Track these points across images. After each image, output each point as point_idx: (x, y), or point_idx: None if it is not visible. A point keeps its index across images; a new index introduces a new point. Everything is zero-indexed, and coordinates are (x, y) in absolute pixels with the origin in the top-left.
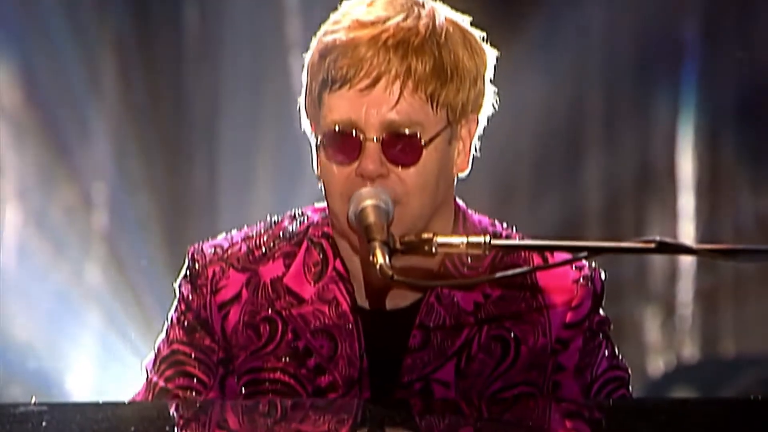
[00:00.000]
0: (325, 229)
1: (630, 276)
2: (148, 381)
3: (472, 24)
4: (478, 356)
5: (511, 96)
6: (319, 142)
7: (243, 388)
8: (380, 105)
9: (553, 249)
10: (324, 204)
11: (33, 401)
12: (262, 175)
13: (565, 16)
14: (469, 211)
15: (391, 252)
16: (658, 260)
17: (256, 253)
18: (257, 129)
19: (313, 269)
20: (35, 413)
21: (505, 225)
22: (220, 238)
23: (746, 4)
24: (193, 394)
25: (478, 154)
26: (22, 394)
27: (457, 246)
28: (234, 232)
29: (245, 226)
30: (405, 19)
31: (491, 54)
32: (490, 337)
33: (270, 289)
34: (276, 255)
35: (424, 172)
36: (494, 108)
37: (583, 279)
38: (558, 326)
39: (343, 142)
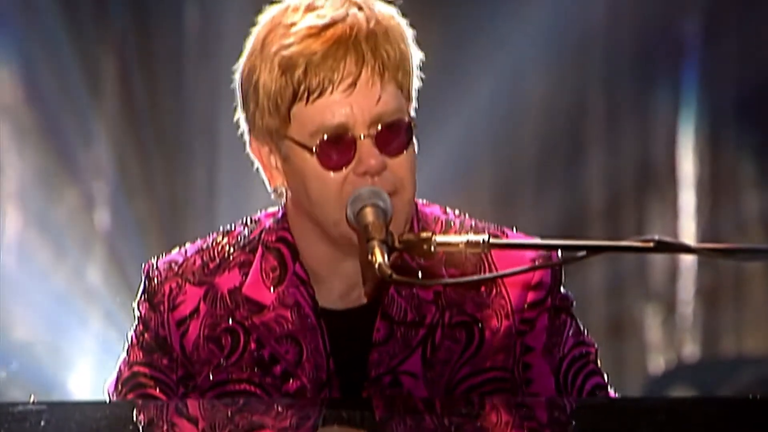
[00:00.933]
0: (281, 233)
1: (631, 274)
2: (109, 395)
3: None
4: (444, 344)
5: (512, 95)
6: (302, 154)
7: None
8: (365, 101)
9: (549, 248)
10: (275, 209)
11: (32, 400)
12: (261, 175)
13: (567, 14)
14: (419, 201)
15: (390, 251)
16: (659, 259)
17: (211, 265)
18: None
19: (271, 275)
20: (34, 412)
21: (456, 212)
22: (174, 253)
23: (747, 3)
24: None
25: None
26: (22, 395)
27: (456, 245)
28: (188, 245)
29: (199, 239)
30: (358, 12)
31: (410, 31)
32: (453, 323)
33: (228, 299)
34: (231, 265)
35: (411, 158)
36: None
37: (541, 258)
38: (520, 307)
39: (337, 146)
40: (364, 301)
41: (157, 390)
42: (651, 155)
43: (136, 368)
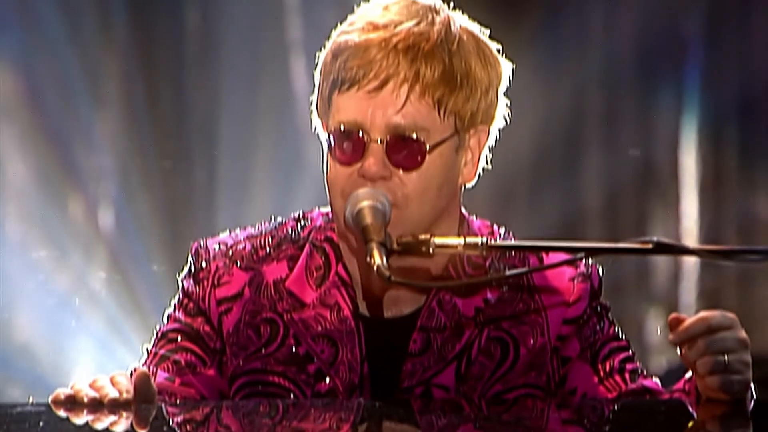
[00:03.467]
0: (328, 233)
1: (632, 277)
2: (148, 353)
3: (491, 37)
4: (479, 359)
5: (511, 95)
6: (326, 141)
7: (241, 389)
8: (386, 107)
9: (551, 250)
10: (326, 208)
11: (30, 401)
12: (262, 176)
13: (567, 14)
14: (472, 218)
15: (389, 253)
16: (661, 261)
17: (260, 253)
18: (257, 129)
19: (315, 273)
20: (33, 413)
21: (503, 230)
22: (224, 235)
23: (749, 3)
24: (192, 366)
25: (489, 166)
26: (21, 397)
27: (454, 247)
28: (238, 230)
29: (248, 226)
30: (418, 24)
31: (506, 67)
32: (490, 339)
33: (273, 289)
34: (280, 256)
35: (426, 178)
36: (505, 120)
37: (580, 276)
38: (557, 324)
39: (348, 142)
40: (404, 312)
41: (196, 346)
42: (653, 156)
43: (176, 325)
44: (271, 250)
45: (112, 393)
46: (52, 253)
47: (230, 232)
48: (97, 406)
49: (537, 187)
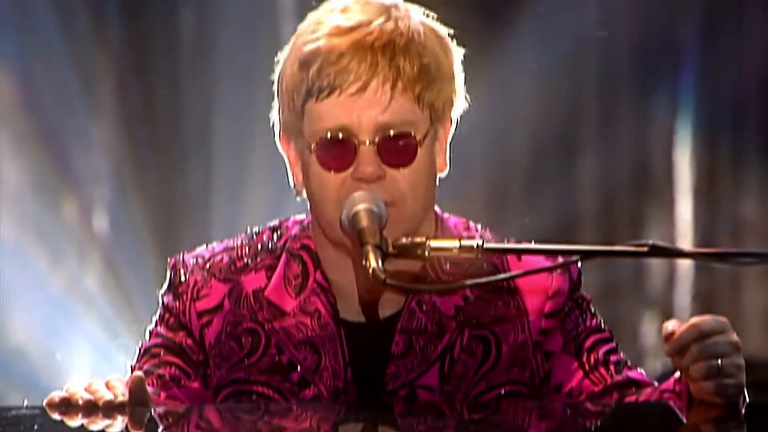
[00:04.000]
0: (305, 241)
1: (627, 279)
2: (132, 369)
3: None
4: (461, 358)
5: (506, 98)
6: (305, 153)
7: (226, 400)
8: (372, 108)
9: (545, 253)
10: (303, 216)
11: (25, 404)
12: (257, 179)
13: (561, 16)
14: (445, 215)
15: (384, 256)
16: (656, 264)
17: (238, 264)
18: (252, 132)
19: (293, 282)
20: (27, 416)
21: (479, 226)
22: (201, 249)
23: (745, 6)
24: (176, 380)
25: (453, 155)
26: (16, 400)
27: (449, 250)
28: (214, 243)
29: (225, 238)
30: (385, 21)
31: (459, 51)
32: (471, 338)
33: (252, 299)
34: (258, 266)
35: (417, 172)
36: (466, 106)
37: (558, 269)
38: (537, 319)
39: (338, 148)
40: (385, 315)
41: (180, 360)
42: (648, 159)
43: (159, 340)
44: (249, 261)
45: (107, 396)
46: (47, 256)
47: (207, 246)
48: (92, 409)
49: (532, 189)
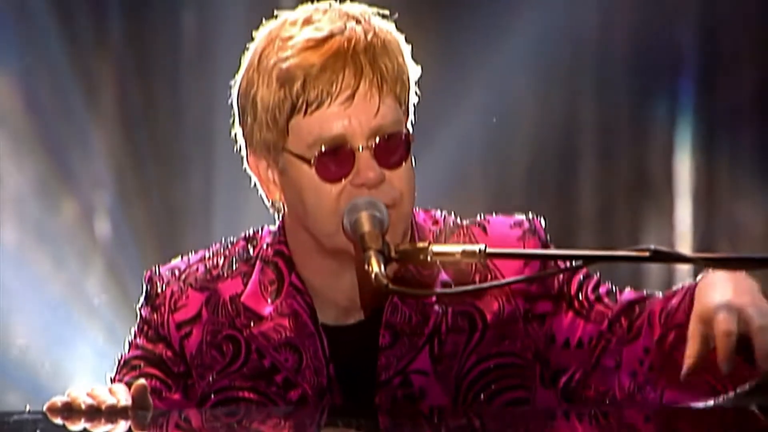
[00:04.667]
0: (277, 246)
1: (626, 284)
2: (112, 381)
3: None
4: (449, 337)
5: (505, 103)
6: (300, 167)
7: (214, 408)
8: (363, 113)
9: (546, 258)
10: (275, 226)
11: (27, 409)
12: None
13: (560, 22)
14: (419, 212)
15: (387, 261)
16: (655, 269)
17: (214, 272)
18: None
19: (269, 287)
20: (29, 421)
21: (439, 212)
22: (176, 261)
23: (743, 10)
24: (157, 392)
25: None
26: (18, 404)
27: (452, 254)
28: (190, 255)
29: (200, 249)
30: (356, 25)
31: (408, 45)
32: (456, 314)
33: (230, 306)
34: (234, 273)
35: (409, 170)
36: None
37: (526, 233)
38: (519, 287)
39: (336, 158)
40: (363, 317)
41: (159, 372)
42: (646, 164)
43: (138, 352)
44: (224, 271)
45: (110, 401)
46: (48, 260)
47: (182, 257)
48: (94, 413)
49: (532, 195)
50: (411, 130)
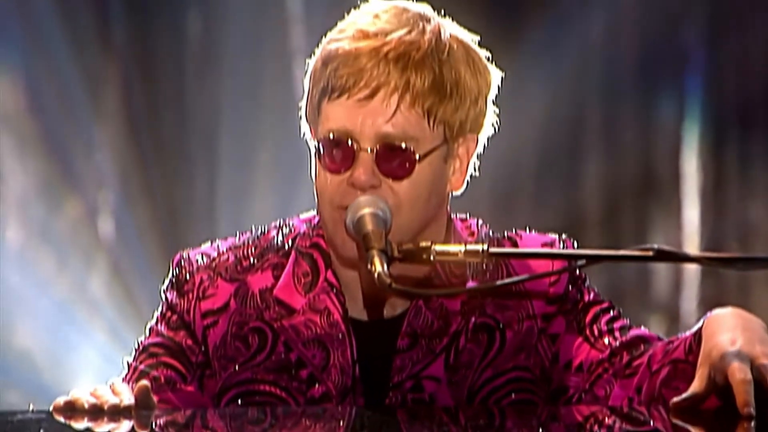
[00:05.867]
0: (315, 239)
1: (633, 284)
2: (129, 367)
3: (480, 44)
4: (467, 347)
5: (513, 104)
6: (315, 149)
7: (233, 401)
8: (376, 116)
9: (551, 257)
10: (311, 214)
11: (31, 408)
12: (263, 184)
13: (567, 23)
14: (458, 218)
15: (389, 260)
16: (662, 268)
17: (244, 263)
18: (258, 137)
19: (303, 280)
20: (33, 420)
21: (475, 221)
22: (206, 246)
23: (750, 9)
24: (172, 383)
25: (477, 174)
26: (21, 404)
27: (454, 254)
28: (219, 241)
29: (230, 237)
30: (408, 33)
31: (496, 74)
32: (476, 326)
33: (259, 299)
34: (264, 266)
35: (415, 186)
36: (495, 127)
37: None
38: (541, 305)
39: (337, 151)
40: (392, 314)
41: (177, 361)
42: (654, 164)
43: (158, 339)
44: (255, 260)
45: (113, 400)
46: (52, 261)
47: (211, 243)
48: (97, 412)
49: (538, 194)
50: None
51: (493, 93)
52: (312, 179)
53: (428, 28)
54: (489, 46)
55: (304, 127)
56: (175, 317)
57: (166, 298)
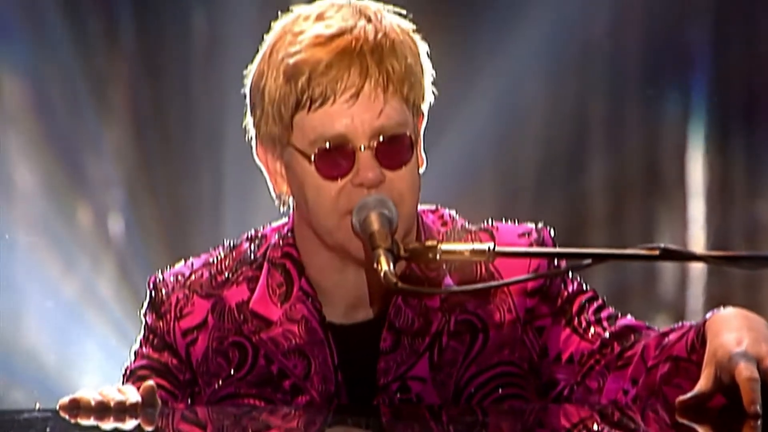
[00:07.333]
0: (285, 249)
1: (639, 283)
2: None
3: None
4: (450, 345)
5: (516, 101)
6: (302, 162)
7: None
8: (366, 113)
9: (555, 256)
10: (281, 222)
11: (37, 407)
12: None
13: (571, 18)
14: (427, 212)
15: (396, 259)
16: (668, 267)
17: (219, 278)
18: None
19: (278, 291)
20: (39, 419)
21: (447, 211)
22: (180, 266)
23: (755, 7)
24: (163, 403)
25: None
26: (28, 403)
27: (461, 253)
28: (193, 259)
29: (203, 253)
30: (366, 24)
31: (424, 45)
32: (458, 323)
33: (236, 313)
34: (239, 279)
35: (412, 171)
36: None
37: (533, 244)
38: (522, 298)
39: (336, 156)
40: (371, 315)
41: (165, 381)
42: (659, 162)
43: (144, 362)
44: (229, 274)
45: (119, 398)
46: (60, 261)
47: (185, 262)
48: (103, 411)
49: (542, 192)
50: (421, 130)
51: (428, 63)
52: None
53: (375, 16)
54: (491, 42)
55: (254, 148)
56: (157, 339)
57: (146, 321)
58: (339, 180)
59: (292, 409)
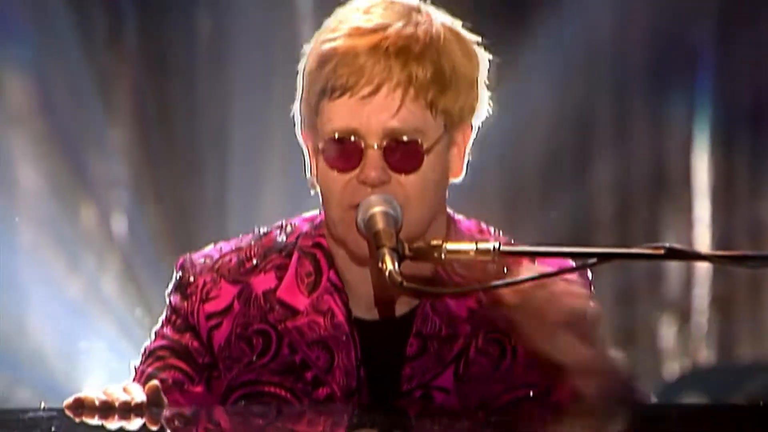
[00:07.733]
0: (317, 239)
1: (644, 283)
2: (136, 371)
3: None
4: (477, 360)
5: (522, 101)
6: (318, 150)
7: (238, 402)
8: (381, 112)
9: (561, 255)
10: (313, 213)
11: (42, 406)
12: (274, 183)
13: (577, 21)
14: (458, 217)
15: (401, 258)
16: (673, 267)
17: (247, 265)
18: (269, 136)
19: (306, 280)
20: (45, 418)
21: (492, 229)
22: (209, 248)
23: (760, 7)
24: (180, 385)
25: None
26: (33, 402)
27: (466, 253)
28: (222, 243)
29: (233, 238)
30: (404, 26)
31: (485, 58)
32: (487, 340)
33: (262, 300)
34: (267, 267)
35: (424, 179)
36: (489, 113)
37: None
38: None
39: (344, 150)
40: (400, 312)
41: (184, 363)
42: (665, 163)
43: (164, 342)
44: (258, 261)
45: (124, 398)
46: (65, 260)
47: (214, 245)
48: (108, 410)
49: (548, 192)
50: (467, 142)
51: (483, 76)
52: (308, 181)
53: (421, 19)
54: (498, 44)
55: (298, 130)
56: (180, 320)
57: (171, 301)
58: (346, 173)
59: (316, 414)
